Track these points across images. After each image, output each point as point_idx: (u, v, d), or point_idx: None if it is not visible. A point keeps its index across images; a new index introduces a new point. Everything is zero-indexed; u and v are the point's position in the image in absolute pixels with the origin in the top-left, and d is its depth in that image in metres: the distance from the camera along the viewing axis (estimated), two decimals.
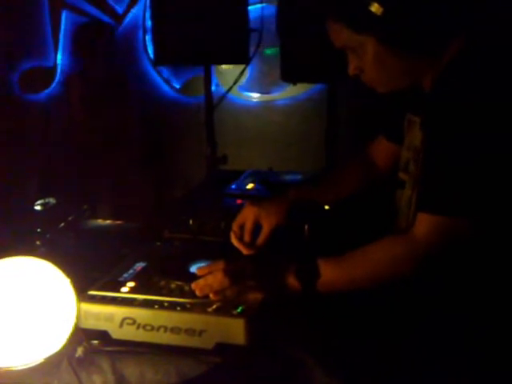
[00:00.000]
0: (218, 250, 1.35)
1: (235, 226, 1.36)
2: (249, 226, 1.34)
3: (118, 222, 1.93)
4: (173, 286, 1.16)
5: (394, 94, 1.23)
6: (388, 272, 1.12)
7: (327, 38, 1.18)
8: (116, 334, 1.10)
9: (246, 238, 1.34)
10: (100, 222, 1.90)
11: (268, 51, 3.12)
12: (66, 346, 1.02)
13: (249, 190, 1.99)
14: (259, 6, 2.92)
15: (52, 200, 1.77)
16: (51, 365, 1.04)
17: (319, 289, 1.11)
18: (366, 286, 1.13)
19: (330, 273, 1.12)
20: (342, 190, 1.50)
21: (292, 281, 1.12)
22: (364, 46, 1.12)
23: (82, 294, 1.10)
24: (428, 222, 1.08)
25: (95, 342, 1.11)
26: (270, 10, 2.81)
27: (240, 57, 2.39)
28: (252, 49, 2.46)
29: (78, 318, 1.04)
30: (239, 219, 1.36)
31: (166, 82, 3.36)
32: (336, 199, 1.50)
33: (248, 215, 1.35)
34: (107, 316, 1.10)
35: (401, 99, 1.32)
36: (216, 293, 1.10)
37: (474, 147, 1.04)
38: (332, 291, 1.13)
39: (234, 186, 2.02)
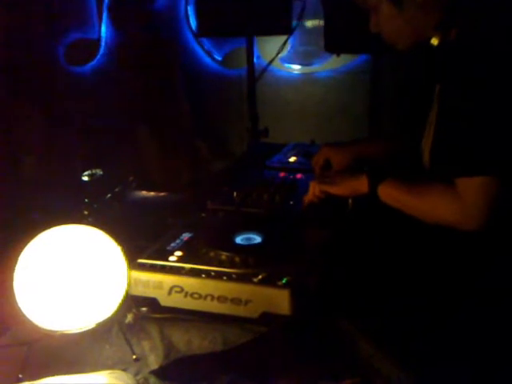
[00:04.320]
0: (261, 222, 1.37)
1: (312, 163, 1.67)
2: (320, 161, 1.64)
3: (162, 194, 1.97)
4: (219, 256, 1.18)
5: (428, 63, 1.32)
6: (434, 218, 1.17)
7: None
8: (164, 301, 1.13)
9: (317, 170, 1.64)
10: (145, 193, 1.93)
11: None
12: (116, 313, 1.05)
13: (291, 162, 1.99)
14: None
15: (99, 171, 1.81)
16: (103, 330, 1.08)
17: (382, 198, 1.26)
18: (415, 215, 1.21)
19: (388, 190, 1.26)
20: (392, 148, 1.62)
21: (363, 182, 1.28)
22: (379, 6, 1.25)
23: (131, 262, 1.13)
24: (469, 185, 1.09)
25: (144, 309, 1.15)
26: None
27: (283, 28, 2.35)
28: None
29: (129, 285, 1.06)
30: (315, 158, 1.66)
31: (208, 54, 3.36)
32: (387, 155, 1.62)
33: (321, 154, 1.65)
34: (156, 284, 1.13)
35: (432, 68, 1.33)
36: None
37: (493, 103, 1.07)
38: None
39: (276, 159, 2.02)
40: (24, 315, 1.00)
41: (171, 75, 3.13)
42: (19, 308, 1.00)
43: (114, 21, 2.89)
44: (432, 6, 1.19)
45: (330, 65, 3.30)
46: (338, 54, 2.50)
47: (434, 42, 1.23)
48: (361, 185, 1.30)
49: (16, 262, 1.00)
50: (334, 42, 2.31)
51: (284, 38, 2.56)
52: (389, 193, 1.26)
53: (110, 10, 2.82)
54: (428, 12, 1.20)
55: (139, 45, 2.92)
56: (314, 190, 1.42)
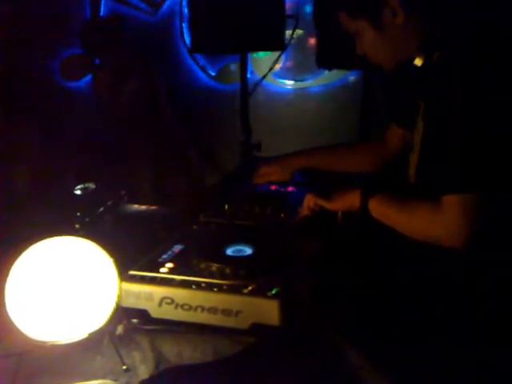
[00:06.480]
0: (252, 234, 1.38)
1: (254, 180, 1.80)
2: (259, 179, 1.79)
3: (154, 207, 1.97)
4: (210, 267, 1.19)
5: (412, 82, 1.34)
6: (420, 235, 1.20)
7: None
8: (155, 312, 1.14)
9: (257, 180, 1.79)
10: (137, 207, 1.94)
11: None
12: (107, 324, 1.06)
13: None
14: None
15: (91, 185, 1.81)
16: (94, 341, 1.08)
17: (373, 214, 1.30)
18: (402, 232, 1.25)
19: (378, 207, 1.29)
20: (342, 163, 1.72)
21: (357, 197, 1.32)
22: (361, 30, 1.28)
23: (122, 273, 1.14)
24: (455, 202, 1.11)
25: (135, 320, 1.15)
26: None
27: (276, 44, 2.39)
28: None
29: (120, 296, 1.07)
30: (259, 172, 1.79)
31: (202, 70, 3.39)
32: (335, 170, 1.72)
33: (259, 171, 1.80)
34: (147, 295, 1.14)
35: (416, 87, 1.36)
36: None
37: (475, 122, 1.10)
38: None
39: None
40: (15, 326, 1.00)
41: (161, 91, 3.11)
42: (10, 319, 1.00)
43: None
44: (412, 28, 1.23)
45: (322, 80, 3.34)
46: (330, 69, 2.54)
47: (418, 62, 1.26)
48: (355, 200, 1.32)
49: (7, 274, 1.01)
50: (325, 58, 2.34)
51: (277, 53, 2.61)
52: (378, 208, 1.29)
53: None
54: (408, 33, 1.24)
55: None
56: (309, 203, 1.44)
